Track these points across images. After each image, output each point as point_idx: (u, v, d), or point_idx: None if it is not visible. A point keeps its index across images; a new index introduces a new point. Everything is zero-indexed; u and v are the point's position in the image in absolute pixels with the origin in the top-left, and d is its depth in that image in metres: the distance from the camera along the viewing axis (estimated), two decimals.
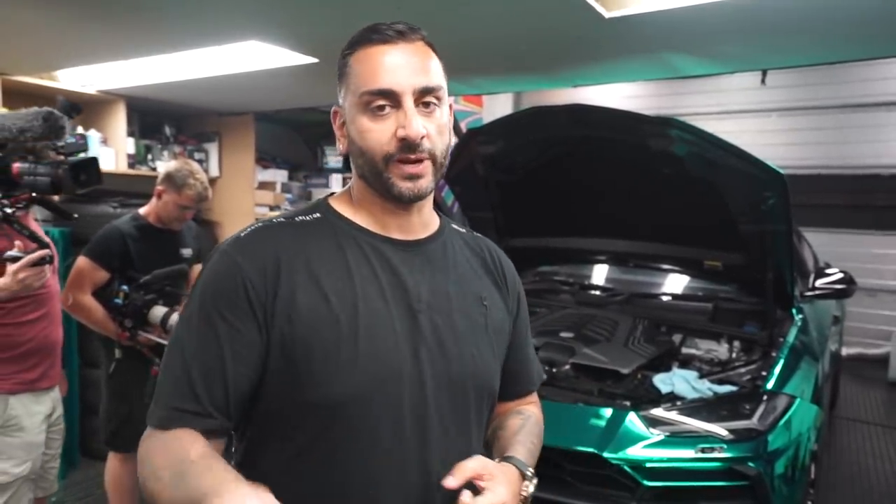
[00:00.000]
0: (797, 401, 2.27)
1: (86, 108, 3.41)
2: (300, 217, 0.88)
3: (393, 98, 0.81)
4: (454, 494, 0.77)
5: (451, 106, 0.89)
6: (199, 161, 3.92)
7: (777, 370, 2.37)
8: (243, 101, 3.47)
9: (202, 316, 0.80)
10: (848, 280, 3.22)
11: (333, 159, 4.78)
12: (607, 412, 2.18)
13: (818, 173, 5.93)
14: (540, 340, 2.68)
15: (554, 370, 2.52)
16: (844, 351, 4.85)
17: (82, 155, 1.77)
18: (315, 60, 2.41)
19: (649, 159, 2.61)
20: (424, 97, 0.82)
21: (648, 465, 2.01)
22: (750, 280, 2.89)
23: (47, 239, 1.89)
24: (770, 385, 2.29)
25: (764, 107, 6.25)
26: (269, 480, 0.78)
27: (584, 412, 2.23)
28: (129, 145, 3.50)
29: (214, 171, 4.08)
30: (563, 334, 2.71)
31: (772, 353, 2.52)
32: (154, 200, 2.39)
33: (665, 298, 3.20)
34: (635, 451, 2.04)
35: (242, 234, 0.85)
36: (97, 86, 3.14)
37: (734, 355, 2.65)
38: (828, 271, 3.33)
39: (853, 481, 3.44)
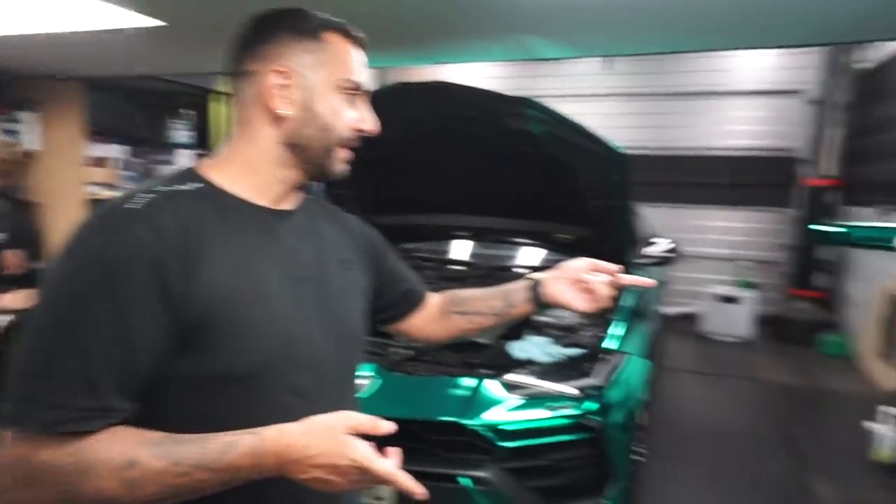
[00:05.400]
0: (632, 357, 2.51)
1: None
2: (176, 186, 0.83)
3: (362, 95, 0.93)
4: None
5: None
6: (10, 133, 3.40)
7: (615, 331, 2.60)
8: (70, 65, 3.04)
9: (99, 298, 0.73)
10: (673, 249, 3.62)
11: (181, 134, 4.40)
12: (469, 382, 2.26)
13: (650, 154, 6.58)
14: None
15: (417, 346, 2.56)
16: (666, 310, 5.46)
17: None
18: (162, 23, 2.16)
19: (508, 138, 2.69)
20: None
21: (502, 427, 2.11)
22: (595, 251, 3.03)
23: None
24: (609, 344, 2.51)
25: (605, 91, 6.79)
26: None
27: (446, 383, 2.28)
28: None
29: (34, 144, 3.56)
30: None
31: (609, 316, 2.76)
32: None
33: (522, 271, 3.36)
34: (492, 416, 2.12)
35: (137, 206, 0.77)
36: None
37: (579, 320, 2.87)
38: (657, 241, 3.71)
39: (676, 423, 3.92)
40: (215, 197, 0.85)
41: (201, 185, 0.85)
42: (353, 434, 0.75)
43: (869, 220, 5.23)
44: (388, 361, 2.42)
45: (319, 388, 0.89)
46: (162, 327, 0.75)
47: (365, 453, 0.74)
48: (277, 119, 0.87)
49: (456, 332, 1.23)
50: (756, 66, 6.51)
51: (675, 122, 6.83)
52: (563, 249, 3.30)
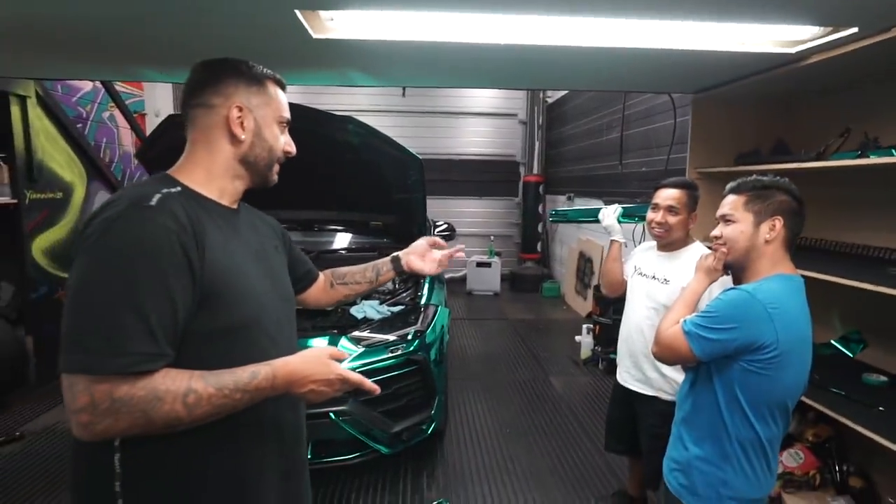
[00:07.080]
0: (439, 308, 2.89)
1: None
2: (168, 189, 0.89)
3: (287, 126, 1.05)
4: None
5: None
6: None
7: (425, 291, 2.96)
8: None
9: (145, 270, 0.79)
10: (451, 228, 4.13)
11: None
12: (323, 341, 2.39)
13: (427, 158, 7.11)
14: None
15: None
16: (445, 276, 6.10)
17: None
18: None
19: (334, 147, 2.81)
20: None
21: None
22: (401, 233, 3.43)
23: None
24: (423, 300, 2.85)
25: (386, 108, 7.15)
26: None
27: (305, 344, 2.37)
28: None
29: None
30: None
31: (420, 281, 3.11)
32: None
33: (344, 252, 3.52)
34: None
35: (152, 203, 0.84)
36: None
37: (397, 286, 3.15)
38: (438, 223, 4.18)
39: (461, 354, 4.51)
40: (196, 197, 0.93)
41: (180, 188, 0.92)
42: (331, 359, 0.94)
43: (562, 204, 6.55)
44: None
45: (281, 335, 1.01)
46: (190, 291, 0.83)
47: (344, 369, 0.95)
48: (235, 141, 0.97)
49: (340, 299, 1.38)
50: (486, 96, 7.52)
51: (437, 135, 7.54)
52: (375, 233, 3.55)
